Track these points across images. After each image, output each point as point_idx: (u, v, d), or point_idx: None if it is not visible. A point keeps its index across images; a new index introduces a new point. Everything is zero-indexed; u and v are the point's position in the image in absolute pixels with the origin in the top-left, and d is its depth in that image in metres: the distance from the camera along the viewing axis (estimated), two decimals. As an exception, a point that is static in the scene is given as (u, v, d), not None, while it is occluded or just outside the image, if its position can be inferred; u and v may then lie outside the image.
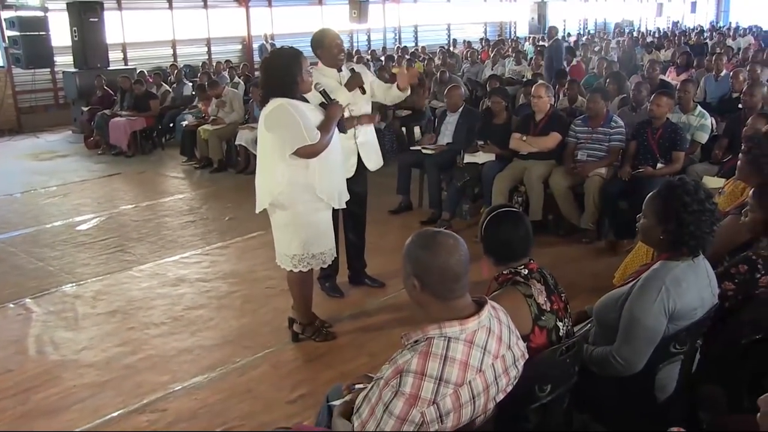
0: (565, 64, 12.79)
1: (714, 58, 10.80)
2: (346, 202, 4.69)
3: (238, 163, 9.87)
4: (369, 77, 5.20)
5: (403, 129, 10.38)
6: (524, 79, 11.56)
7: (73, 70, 13.68)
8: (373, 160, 5.18)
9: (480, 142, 7.06)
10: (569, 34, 27.69)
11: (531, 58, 14.78)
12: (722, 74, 9.74)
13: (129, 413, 3.89)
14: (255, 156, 8.90)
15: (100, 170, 10.60)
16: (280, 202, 4.28)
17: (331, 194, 4.38)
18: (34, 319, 5.19)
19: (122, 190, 9.48)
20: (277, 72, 4.18)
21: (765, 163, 3.75)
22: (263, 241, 6.56)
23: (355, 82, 4.80)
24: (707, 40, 19.62)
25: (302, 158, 4.14)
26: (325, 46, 4.93)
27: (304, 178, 4.23)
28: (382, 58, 16.76)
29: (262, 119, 4.19)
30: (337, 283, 5.37)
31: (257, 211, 4.42)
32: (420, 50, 19.93)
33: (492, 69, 14.59)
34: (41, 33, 13.31)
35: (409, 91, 5.24)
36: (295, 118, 4.05)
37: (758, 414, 1.60)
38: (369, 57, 18.01)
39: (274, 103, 4.11)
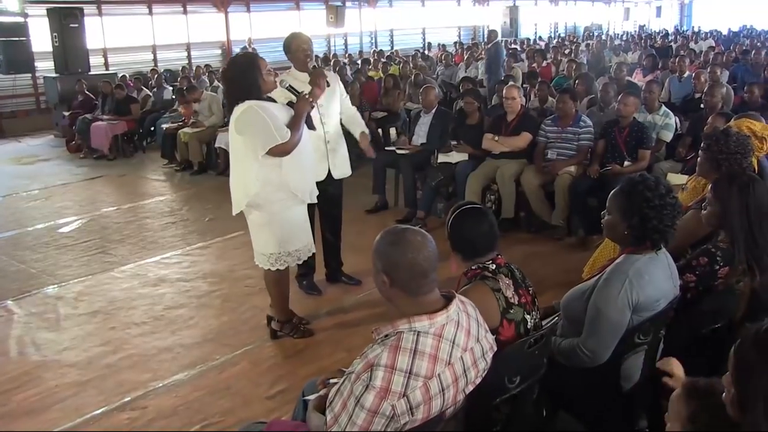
0: (503, 68, 12.67)
1: (677, 60, 10.92)
2: (323, 204, 4.67)
3: (218, 165, 9.81)
4: (339, 89, 5.17)
5: (379, 130, 10.38)
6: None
7: (54, 75, 13.55)
8: (339, 169, 5.16)
9: (453, 142, 7.08)
10: (540, 38, 27.87)
11: (504, 61, 14.82)
12: (685, 75, 9.86)
13: (110, 411, 3.86)
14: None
15: (82, 174, 10.51)
16: (256, 203, 4.26)
17: (303, 190, 4.37)
18: (16, 320, 5.13)
19: (104, 192, 9.40)
20: (237, 78, 4.18)
21: (722, 159, 3.80)
22: (243, 240, 6.50)
23: (318, 77, 4.58)
24: (672, 43, 19.78)
25: (275, 157, 4.13)
26: (292, 50, 4.95)
27: (278, 177, 4.22)
28: (359, 62, 16.74)
29: (232, 124, 4.16)
30: (315, 282, 5.36)
31: (234, 213, 4.40)
32: (395, 53, 19.94)
33: (465, 71, 14.63)
34: (21, 38, 13.21)
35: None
36: (264, 118, 4.03)
37: (724, 395, 1.62)
38: (346, 60, 17.98)
39: (242, 106, 4.08)
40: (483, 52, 17.09)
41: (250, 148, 4.12)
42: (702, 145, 4.03)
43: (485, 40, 13.15)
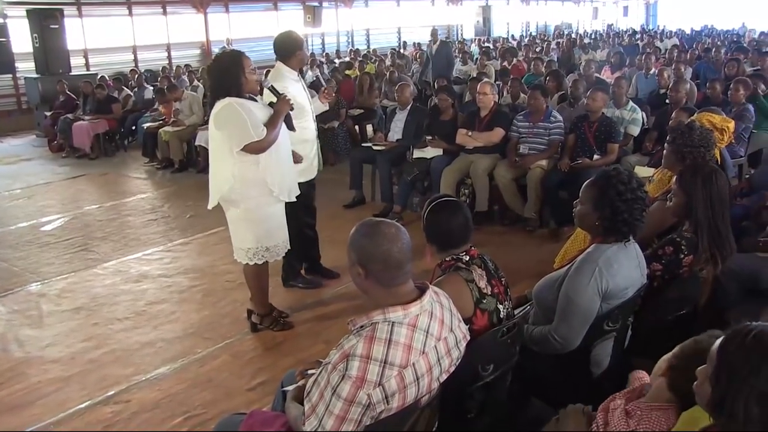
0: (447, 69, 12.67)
1: (644, 57, 11.00)
2: (311, 200, 4.66)
3: (198, 163, 9.73)
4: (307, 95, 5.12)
5: (356, 127, 10.38)
6: (470, 78, 11.61)
7: (35, 75, 13.37)
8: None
9: (429, 138, 7.08)
10: (513, 36, 27.96)
11: (476, 59, 14.86)
12: (651, 72, 9.94)
13: (93, 405, 3.81)
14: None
15: (64, 173, 10.37)
16: (231, 198, 4.24)
17: (282, 188, 4.34)
18: (-1, 318, 5.06)
19: (86, 191, 9.29)
20: (221, 75, 4.14)
21: (687, 152, 3.83)
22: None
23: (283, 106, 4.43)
24: (638, 42, 19.93)
25: (251, 154, 4.11)
26: (293, 54, 4.89)
27: (254, 174, 4.19)
28: (336, 61, 16.69)
29: (212, 119, 4.15)
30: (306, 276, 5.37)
31: (209, 207, 4.38)
32: (372, 52, 19.90)
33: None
34: (1, 39, 13.05)
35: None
36: (242, 115, 4.01)
37: (695, 384, 1.63)
38: (324, 59, 17.91)
39: (222, 102, 4.06)
40: (456, 51, 17.15)
41: (227, 144, 4.10)
42: (667, 138, 4.07)
43: (431, 38, 12.96)
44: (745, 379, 1.45)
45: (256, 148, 4.08)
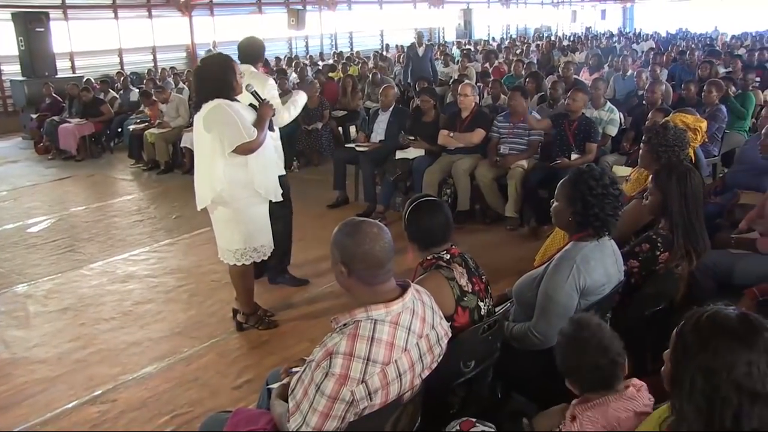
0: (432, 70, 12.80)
1: (620, 59, 11.08)
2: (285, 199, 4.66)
3: (184, 164, 9.66)
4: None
5: (340, 128, 10.37)
6: (452, 80, 11.64)
7: (21, 78, 13.24)
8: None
9: (411, 138, 7.08)
10: (494, 39, 28.04)
11: (458, 61, 14.89)
12: (628, 74, 10.01)
13: (80, 405, 3.78)
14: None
15: (51, 174, 10.27)
16: (222, 199, 4.21)
17: (268, 189, 4.34)
18: (-15, 319, 5.01)
19: (73, 192, 9.20)
20: (214, 77, 4.10)
21: (662, 152, 3.87)
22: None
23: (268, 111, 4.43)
24: (616, 44, 20.06)
25: (241, 155, 4.09)
26: (259, 55, 4.99)
27: (243, 175, 4.18)
28: (320, 63, 16.67)
29: (200, 121, 4.09)
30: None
31: (199, 209, 4.35)
32: (355, 54, 19.89)
33: (422, 71, 14.63)
34: (-14, 42, 12.86)
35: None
36: (233, 117, 3.99)
37: (662, 368, 1.65)
38: (308, 62, 17.88)
39: (211, 104, 4.03)
40: (438, 53, 17.17)
41: (218, 146, 4.07)
42: (643, 138, 4.10)
43: (416, 41, 12.96)
44: (694, 355, 1.52)
45: (247, 148, 4.06)
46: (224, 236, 4.37)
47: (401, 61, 16.68)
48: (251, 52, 5.01)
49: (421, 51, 12.75)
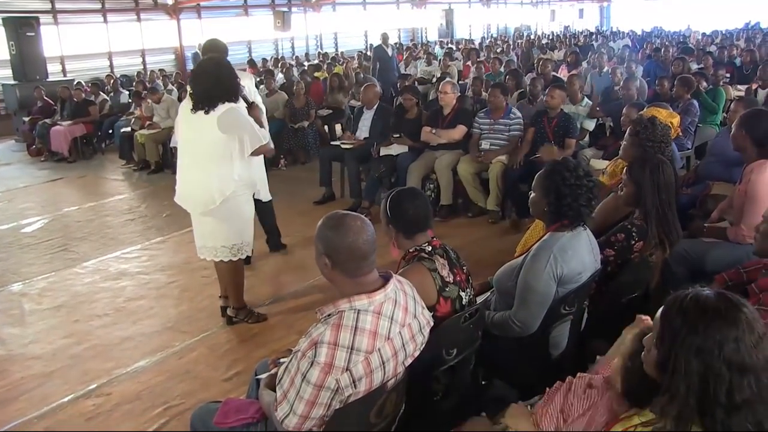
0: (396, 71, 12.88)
1: (597, 56, 11.13)
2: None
3: (174, 164, 9.62)
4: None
5: (325, 127, 10.35)
6: (434, 78, 11.66)
7: (12, 82, 13.10)
8: None
9: (396, 135, 7.09)
10: (472, 40, 28.03)
11: (440, 60, 14.89)
12: (604, 70, 10.06)
13: (76, 399, 3.77)
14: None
15: (44, 176, 10.18)
16: (227, 199, 4.14)
17: (262, 186, 4.37)
18: (-19, 318, 4.97)
19: (65, 193, 9.13)
20: (228, 79, 4.08)
21: (649, 147, 3.90)
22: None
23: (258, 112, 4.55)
24: (593, 42, 20.12)
25: (251, 156, 4.16)
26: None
27: (248, 175, 4.25)
28: (305, 64, 16.62)
29: (213, 122, 3.98)
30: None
31: (200, 211, 4.23)
32: (340, 55, 19.84)
33: (405, 69, 14.65)
34: (-22, 48, 12.73)
35: None
36: (249, 120, 4.04)
37: (642, 354, 1.69)
38: (293, 62, 17.81)
39: (224, 106, 3.99)
40: (421, 52, 17.16)
41: (236, 147, 4.05)
42: (630, 130, 4.12)
43: (382, 40, 13.04)
44: (684, 337, 1.54)
45: (264, 150, 4.17)
46: (221, 234, 4.28)
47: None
48: (214, 50, 4.95)
49: (390, 51, 12.86)
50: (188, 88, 4.27)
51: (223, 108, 3.99)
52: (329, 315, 2.06)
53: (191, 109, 4.06)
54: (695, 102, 6.73)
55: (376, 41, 13.61)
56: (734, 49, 12.83)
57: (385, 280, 2.16)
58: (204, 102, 4.02)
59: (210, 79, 4.06)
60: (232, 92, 4.08)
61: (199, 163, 4.14)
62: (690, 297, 1.58)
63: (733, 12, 30.90)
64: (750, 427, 1.51)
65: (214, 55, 4.60)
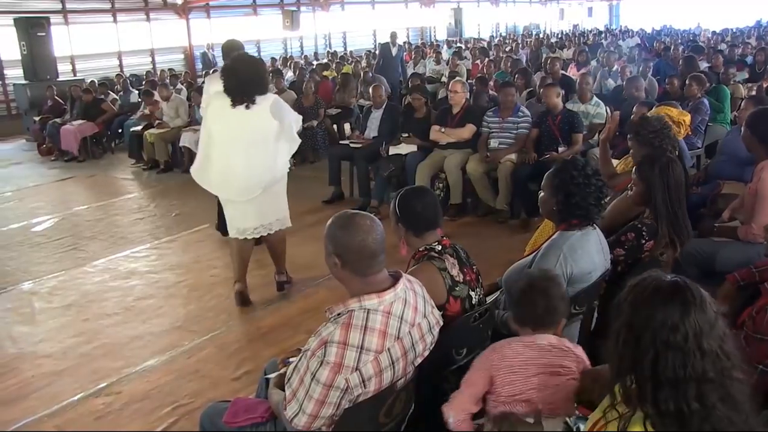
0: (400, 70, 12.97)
1: (607, 55, 11.09)
2: None
3: (183, 164, 9.65)
4: None
5: (334, 126, 10.35)
6: (443, 78, 11.64)
7: (23, 82, 13.19)
8: None
9: (405, 135, 7.08)
10: (480, 39, 27.97)
11: (449, 59, 14.87)
12: (613, 69, 10.01)
13: (86, 397, 3.79)
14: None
15: (54, 175, 10.22)
16: (283, 175, 4.72)
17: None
18: (-8, 316, 5.00)
19: (75, 192, 9.17)
20: (264, 73, 4.60)
21: (652, 138, 3.88)
22: (207, 233, 6.47)
23: None
24: (602, 41, 20.05)
25: None
26: None
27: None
28: (314, 63, 16.63)
29: (266, 111, 4.40)
30: None
31: (257, 193, 4.51)
32: (348, 54, 19.83)
33: (414, 69, 14.63)
34: (-11, 48, 12.82)
35: None
36: (288, 107, 4.64)
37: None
38: (302, 62, 17.83)
39: (270, 97, 4.51)
40: (430, 51, 17.14)
41: (284, 131, 4.53)
42: (629, 136, 4.10)
43: (390, 41, 13.18)
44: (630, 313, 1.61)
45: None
46: (280, 206, 4.77)
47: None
48: (235, 50, 5.23)
49: (394, 51, 12.95)
50: (221, 85, 4.46)
51: (268, 98, 4.45)
52: (339, 314, 2.06)
53: (230, 105, 4.35)
54: (705, 101, 6.69)
55: (386, 40, 13.65)
56: (746, 47, 12.73)
57: (395, 279, 2.16)
58: (247, 95, 4.35)
59: (249, 74, 4.39)
60: (267, 84, 4.62)
61: (257, 149, 4.46)
62: (645, 279, 1.64)
63: (744, 10, 30.69)
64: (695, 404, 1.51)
65: (241, 52, 4.90)
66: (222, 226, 5.50)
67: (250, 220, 4.62)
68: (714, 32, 22.30)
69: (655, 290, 1.58)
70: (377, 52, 13.74)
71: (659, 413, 1.53)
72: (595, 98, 6.96)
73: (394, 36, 13.11)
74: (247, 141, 4.41)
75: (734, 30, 23.37)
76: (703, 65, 9.73)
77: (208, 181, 4.63)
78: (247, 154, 4.41)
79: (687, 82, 6.78)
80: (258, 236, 4.70)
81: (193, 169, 4.73)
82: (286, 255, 5.07)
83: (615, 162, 5.21)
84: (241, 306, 4.79)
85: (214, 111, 4.48)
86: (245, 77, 4.36)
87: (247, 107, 4.33)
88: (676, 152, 4.04)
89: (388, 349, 2.04)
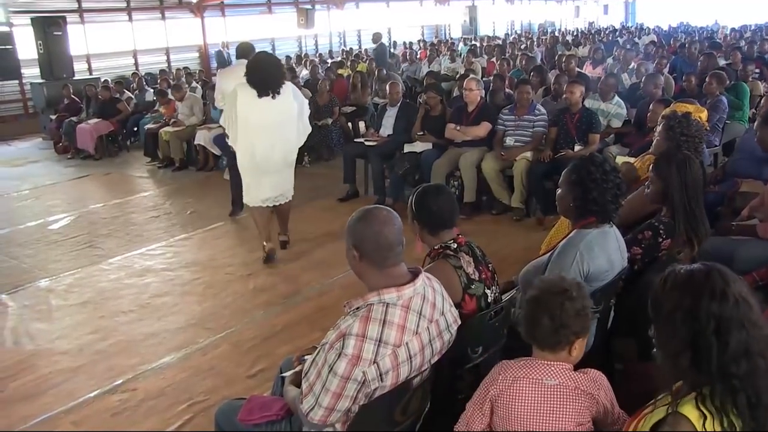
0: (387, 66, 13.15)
1: (624, 52, 11.01)
2: None
3: (198, 162, 9.72)
4: None
5: (349, 124, 10.35)
6: (458, 75, 11.60)
7: (40, 81, 13.29)
8: None
9: (419, 133, 7.07)
10: (496, 36, 27.89)
11: (463, 56, 14.83)
12: (630, 67, 9.94)
13: (102, 394, 3.82)
14: (213, 155, 8.83)
15: (70, 173, 10.31)
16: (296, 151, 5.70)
17: None
18: (10, 313, 5.03)
19: (91, 190, 9.24)
20: (282, 66, 5.62)
21: (683, 140, 3.85)
22: (223, 231, 6.50)
23: None
24: (618, 38, 19.90)
25: None
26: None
27: None
28: (329, 61, 16.65)
29: (290, 94, 5.37)
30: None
31: (289, 161, 5.56)
32: (363, 52, 19.83)
33: (429, 66, 14.61)
34: (7, 47, 12.97)
35: None
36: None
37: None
38: (317, 60, 17.85)
39: (288, 85, 5.39)
40: (445, 49, 17.11)
41: (302, 112, 5.52)
42: (664, 125, 4.06)
43: (372, 39, 13.40)
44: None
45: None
46: (292, 178, 5.66)
47: (408, 57, 16.66)
48: (249, 51, 6.11)
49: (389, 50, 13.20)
50: (241, 78, 5.27)
51: (287, 85, 5.35)
52: (358, 308, 2.07)
53: (257, 96, 5.16)
54: (724, 98, 6.62)
55: (400, 39, 13.75)
56: (764, 43, 12.57)
57: (414, 275, 2.16)
58: (273, 86, 5.21)
59: (272, 68, 5.31)
60: (285, 74, 5.50)
61: (285, 128, 5.40)
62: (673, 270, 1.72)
63: (763, 6, 30.31)
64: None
65: (259, 51, 5.71)
66: (236, 204, 6.55)
67: (267, 192, 5.50)
68: (732, 29, 22.06)
69: (690, 272, 1.67)
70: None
71: (726, 380, 1.56)
72: (616, 98, 6.91)
73: (377, 36, 13.30)
74: (276, 120, 5.28)
75: (753, 26, 23.10)
76: (721, 62, 9.64)
77: (243, 152, 5.43)
78: (276, 133, 5.32)
79: (707, 79, 6.72)
80: (275, 204, 5.54)
81: (230, 141, 5.53)
82: (301, 253, 5.11)
83: (632, 160, 5.18)
84: (267, 263, 5.54)
85: (245, 100, 5.20)
86: (266, 74, 5.21)
87: (273, 97, 5.20)
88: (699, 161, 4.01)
89: (406, 343, 2.05)
